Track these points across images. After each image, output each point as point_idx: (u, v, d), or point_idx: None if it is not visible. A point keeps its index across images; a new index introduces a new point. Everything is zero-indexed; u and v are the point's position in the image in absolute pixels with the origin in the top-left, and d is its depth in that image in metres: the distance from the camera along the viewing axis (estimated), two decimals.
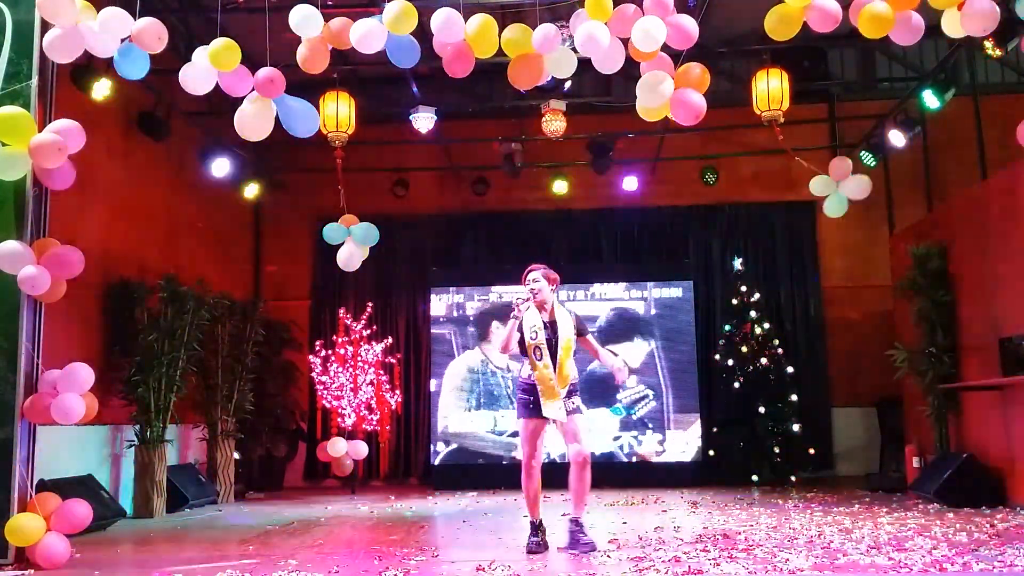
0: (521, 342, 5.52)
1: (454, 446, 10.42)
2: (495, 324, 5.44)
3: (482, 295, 10.70)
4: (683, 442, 10.21)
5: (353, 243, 6.69)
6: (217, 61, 5.30)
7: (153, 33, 5.22)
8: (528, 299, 5.54)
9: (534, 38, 5.34)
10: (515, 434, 10.35)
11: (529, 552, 5.38)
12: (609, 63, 5.43)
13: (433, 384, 10.59)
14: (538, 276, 5.60)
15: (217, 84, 5.46)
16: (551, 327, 5.52)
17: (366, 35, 5.33)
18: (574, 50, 5.46)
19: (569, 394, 5.48)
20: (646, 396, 10.32)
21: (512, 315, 5.47)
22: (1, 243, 5.33)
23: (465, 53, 5.41)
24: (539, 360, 5.44)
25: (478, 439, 10.39)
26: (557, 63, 5.46)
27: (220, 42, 5.32)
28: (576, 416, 5.47)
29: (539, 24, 5.49)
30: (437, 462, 10.45)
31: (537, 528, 5.52)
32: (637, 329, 10.49)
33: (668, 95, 5.43)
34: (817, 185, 6.87)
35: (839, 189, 6.79)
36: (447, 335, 10.65)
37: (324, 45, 5.38)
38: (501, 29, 5.46)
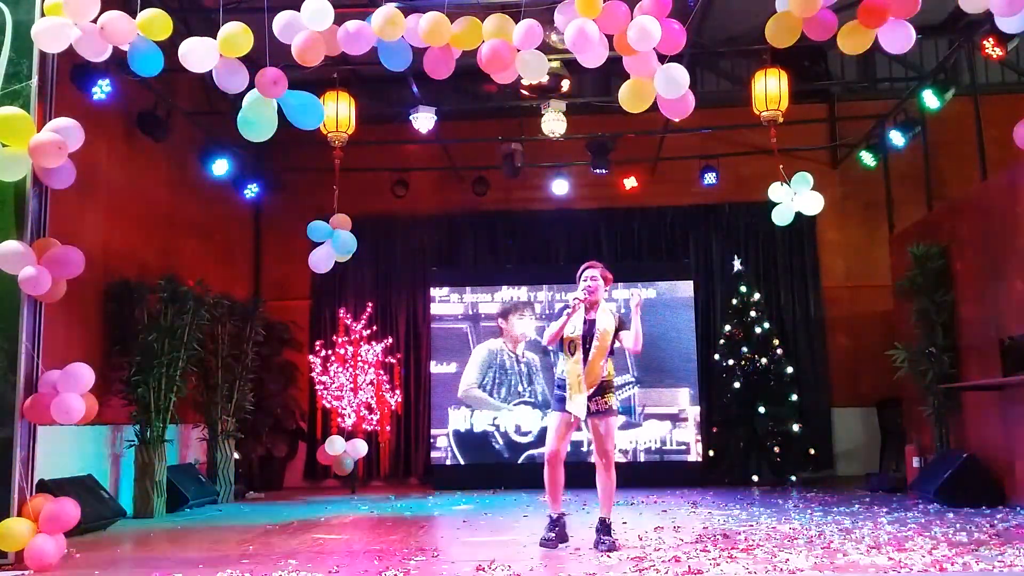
0: (560, 336, 5.56)
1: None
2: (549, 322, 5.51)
3: (487, 294, 10.73)
4: (679, 437, 10.24)
5: (330, 247, 6.62)
6: (227, 47, 5.29)
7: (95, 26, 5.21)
8: (585, 298, 5.54)
9: (515, 33, 5.35)
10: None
11: (540, 545, 5.46)
12: (593, 59, 5.43)
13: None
14: (596, 274, 5.63)
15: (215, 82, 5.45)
16: (590, 325, 5.54)
17: (354, 35, 5.32)
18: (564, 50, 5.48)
19: (601, 392, 5.49)
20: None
21: (566, 310, 5.50)
22: (1, 243, 5.33)
23: (447, 54, 5.44)
24: (571, 355, 5.50)
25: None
26: (527, 65, 5.46)
27: (233, 26, 5.29)
28: (605, 417, 5.49)
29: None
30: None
31: (555, 523, 5.56)
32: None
33: (686, 85, 5.42)
34: (774, 191, 6.80)
35: (793, 201, 6.70)
36: (456, 330, 10.68)
37: (322, 39, 5.37)
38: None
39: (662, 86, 5.37)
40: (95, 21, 5.21)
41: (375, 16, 5.30)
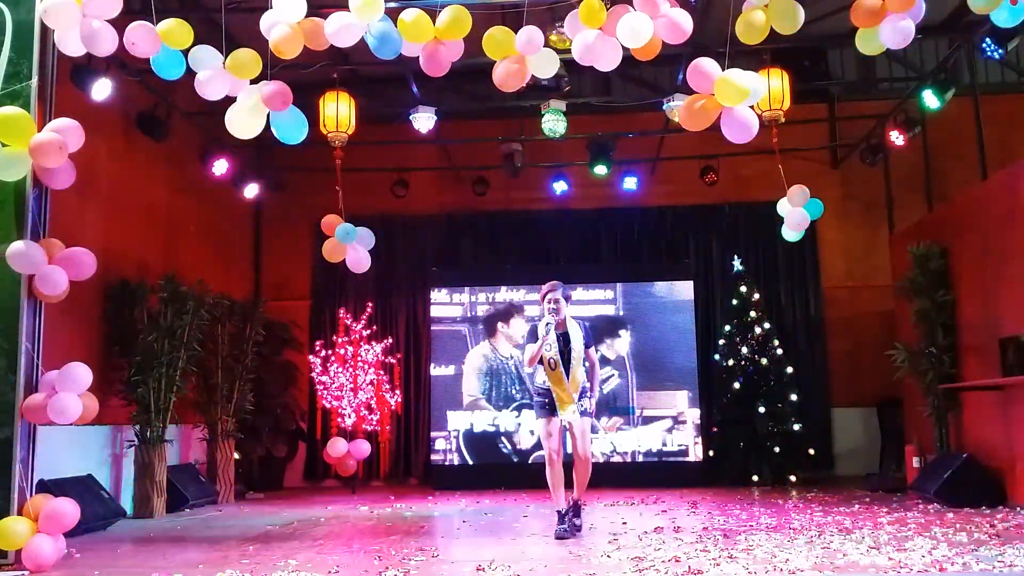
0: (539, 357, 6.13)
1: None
2: (523, 337, 6.02)
3: (486, 294, 10.73)
4: (682, 437, 10.25)
5: (359, 246, 6.69)
6: (237, 70, 5.32)
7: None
8: (552, 321, 6.04)
9: (518, 40, 5.33)
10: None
11: (557, 538, 5.93)
12: (606, 64, 5.43)
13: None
14: (558, 296, 6.16)
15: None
16: (563, 339, 6.11)
17: (341, 29, 5.30)
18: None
19: (579, 397, 6.12)
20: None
21: (541, 336, 5.98)
22: (13, 243, 5.36)
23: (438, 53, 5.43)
24: (553, 370, 6.07)
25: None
26: (540, 64, 5.46)
27: (243, 52, 5.36)
28: (585, 418, 6.13)
29: (538, 23, 5.49)
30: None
31: (563, 516, 6.08)
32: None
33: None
34: (782, 207, 6.65)
35: (786, 219, 6.50)
36: (455, 331, 10.70)
37: (299, 32, 5.35)
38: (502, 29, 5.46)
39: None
40: (112, 22, 5.22)
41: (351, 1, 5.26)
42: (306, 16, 5.30)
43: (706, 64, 5.22)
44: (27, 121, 5.31)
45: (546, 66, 5.49)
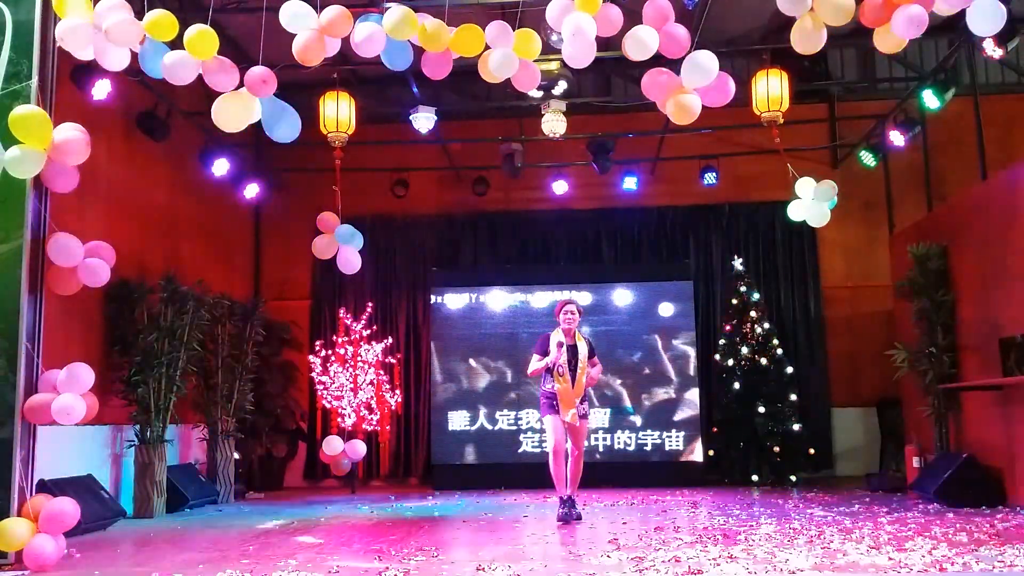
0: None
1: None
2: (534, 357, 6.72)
3: (487, 294, 10.73)
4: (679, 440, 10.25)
5: (351, 246, 6.70)
6: (194, 48, 5.26)
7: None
8: (564, 341, 6.79)
9: (487, 33, 5.35)
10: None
11: (559, 520, 6.74)
12: (583, 59, 5.43)
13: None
14: (574, 310, 6.92)
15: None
16: (572, 351, 6.84)
17: (368, 39, 5.32)
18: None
19: (580, 401, 6.83)
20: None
21: (549, 359, 6.77)
22: (56, 234, 5.52)
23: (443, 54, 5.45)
24: (561, 376, 6.76)
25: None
26: (500, 65, 5.46)
27: (196, 28, 5.26)
28: (585, 420, 6.88)
29: (538, 23, 5.50)
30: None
31: (565, 502, 6.82)
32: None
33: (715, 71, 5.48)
34: (799, 187, 6.76)
35: (810, 207, 6.64)
36: (456, 331, 10.70)
37: (321, 37, 5.35)
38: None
39: (691, 76, 5.38)
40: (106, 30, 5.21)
41: (388, 15, 5.28)
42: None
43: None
44: (44, 119, 5.28)
45: (505, 68, 5.49)
